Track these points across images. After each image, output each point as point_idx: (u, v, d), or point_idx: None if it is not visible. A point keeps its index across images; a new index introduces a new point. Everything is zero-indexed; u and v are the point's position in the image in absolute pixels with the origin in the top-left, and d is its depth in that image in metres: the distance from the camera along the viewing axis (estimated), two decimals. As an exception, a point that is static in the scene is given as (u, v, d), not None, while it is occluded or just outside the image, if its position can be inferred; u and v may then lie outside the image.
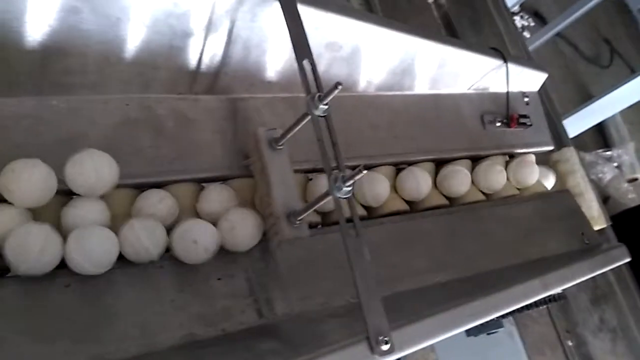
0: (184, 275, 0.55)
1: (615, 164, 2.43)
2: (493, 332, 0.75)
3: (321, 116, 0.53)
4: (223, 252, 0.57)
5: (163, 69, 0.61)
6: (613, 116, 2.30)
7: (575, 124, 1.87)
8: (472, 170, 0.81)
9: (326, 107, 0.53)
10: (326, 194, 0.51)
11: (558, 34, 2.42)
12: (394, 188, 0.74)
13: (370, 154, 0.72)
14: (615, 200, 2.36)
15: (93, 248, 0.49)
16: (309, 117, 0.54)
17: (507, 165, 0.84)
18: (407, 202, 0.74)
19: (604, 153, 2.42)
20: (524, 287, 0.60)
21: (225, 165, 0.62)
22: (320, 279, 0.61)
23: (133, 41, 0.58)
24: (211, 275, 0.56)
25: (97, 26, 0.56)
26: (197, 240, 0.54)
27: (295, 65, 0.56)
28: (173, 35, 0.59)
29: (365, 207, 0.71)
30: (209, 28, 0.61)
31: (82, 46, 0.56)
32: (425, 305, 0.55)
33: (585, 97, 2.59)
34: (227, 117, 0.64)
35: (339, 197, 0.50)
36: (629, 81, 1.67)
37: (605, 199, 2.13)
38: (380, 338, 0.45)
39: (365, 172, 0.48)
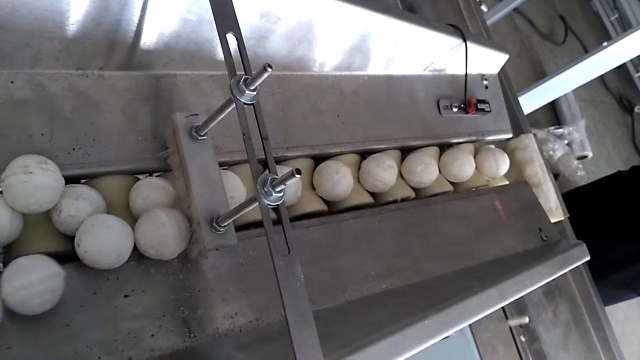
0: (85, 290, 0.45)
1: (566, 142, 2.44)
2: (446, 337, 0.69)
3: (248, 104, 0.44)
4: (136, 262, 0.48)
5: (57, 38, 0.49)
6: (565, 93, 2.29)
7: (529, 102, 1.84)
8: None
9: (254, 93, 0.43)
10: (252, 200, 0.43)
11: (515, 9, 2.38)
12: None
13: (313, 143, 0.63)
14: (564, 177, 2.38)
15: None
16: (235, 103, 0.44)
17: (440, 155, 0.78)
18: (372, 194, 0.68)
19: (556, 130, 2.42)
20: (480, 299, 0.53)
21: (138, 156, 0.52)
22: (251, 291, 0.52)
23: (15, 2, 0.46)
24: (117, 291, 0.47)
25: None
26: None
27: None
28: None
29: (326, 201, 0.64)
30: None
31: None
32: (370, 326, 0.48)
33: (539, 73, 2.58)
34: (141, 98, 0.54)
35: (268, 205, 0.42)
36: (582, 60, 1.65)
37: (555, 176, 2.14)
38: (314, 380, 0.38)
39: (298, 177, 0.39)
